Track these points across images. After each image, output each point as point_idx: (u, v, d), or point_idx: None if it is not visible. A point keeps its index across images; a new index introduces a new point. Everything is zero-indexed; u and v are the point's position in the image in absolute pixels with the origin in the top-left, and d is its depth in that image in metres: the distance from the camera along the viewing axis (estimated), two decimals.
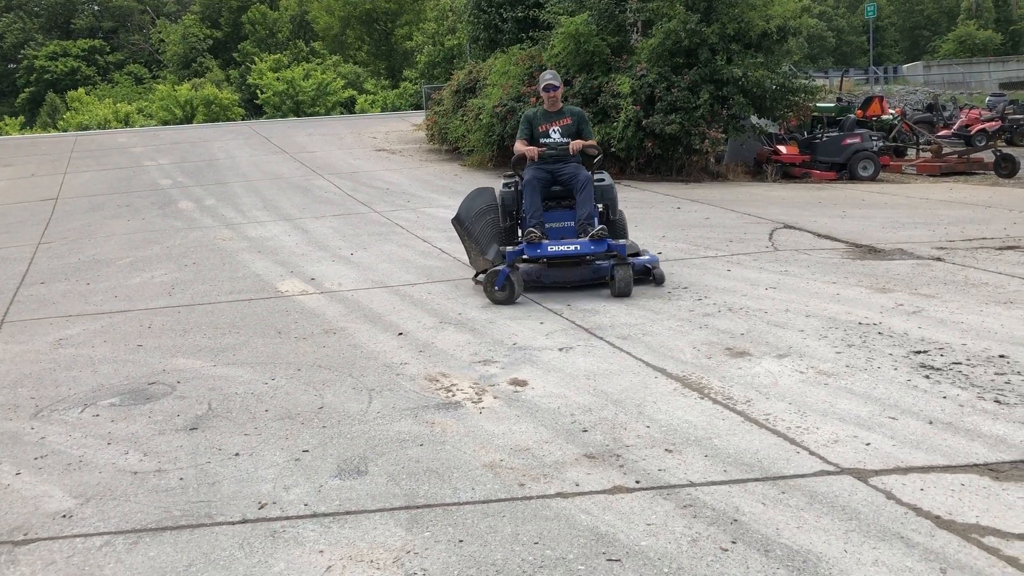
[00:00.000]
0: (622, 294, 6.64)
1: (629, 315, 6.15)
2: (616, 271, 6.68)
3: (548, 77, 7.42)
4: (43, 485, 3.79)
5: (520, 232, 7.07)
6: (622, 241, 6.88)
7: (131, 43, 62.85)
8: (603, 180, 7.31)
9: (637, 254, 7.03)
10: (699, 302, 6.42)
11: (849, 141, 15.19)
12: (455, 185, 14.25)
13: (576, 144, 7.15)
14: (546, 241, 6.80)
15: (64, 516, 3.49)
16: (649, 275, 7.00)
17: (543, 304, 6.55)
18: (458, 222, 7.23)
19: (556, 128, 7.34)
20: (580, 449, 3.91)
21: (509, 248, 6.78)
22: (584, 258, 6.85)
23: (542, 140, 7.30)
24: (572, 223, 7.05)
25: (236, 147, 20.58)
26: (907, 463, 3.63)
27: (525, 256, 6.76)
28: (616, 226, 7.24)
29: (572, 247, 6.77)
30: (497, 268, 6.64)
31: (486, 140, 15.59)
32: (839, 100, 20.69)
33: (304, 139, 21.81)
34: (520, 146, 7.29)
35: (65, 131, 41.28)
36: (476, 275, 7.26)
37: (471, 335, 5.83)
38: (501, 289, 6.59)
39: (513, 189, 7.28)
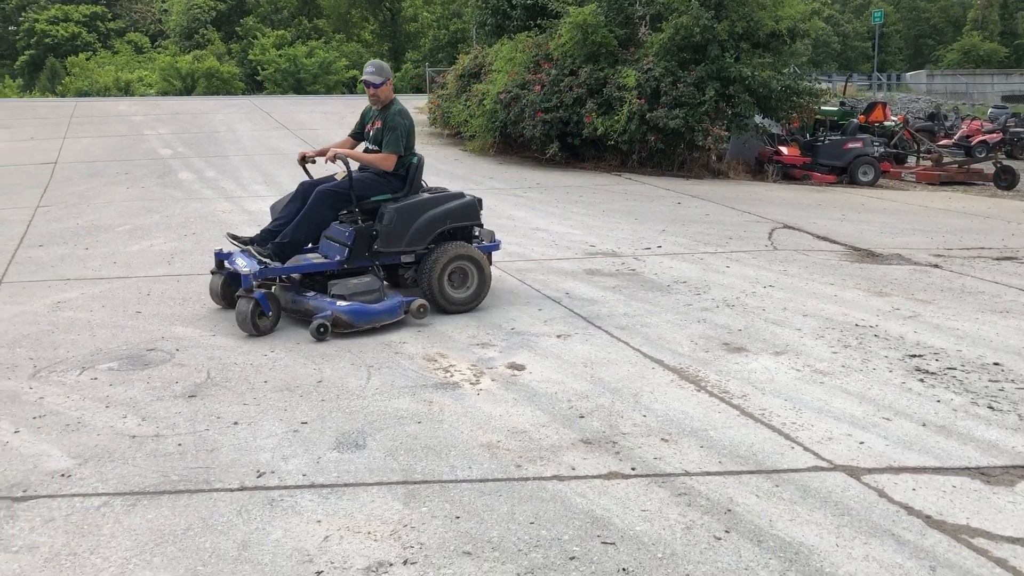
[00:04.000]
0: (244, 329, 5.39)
1: (628, 306, 6.17)
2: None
3: (367, 70, 5.96)
4: (42, 444, 3.80)
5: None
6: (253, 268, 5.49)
7: (133, 11, 62.41)
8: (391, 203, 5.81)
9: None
10: (697, 296, 6.45)
11: (851, 145, 15.25)
12: (455, 169, 14.24)
13: (331, 152, 5.80)
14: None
15: (63, 475, 3.50)
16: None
17: (542, 292, 6.57)
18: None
19: (372, 130, 6.12)
20: (576, 434, 3.94)
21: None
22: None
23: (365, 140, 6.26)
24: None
25: (237, 120, 20.48)
26: (900, 463, 3.67)
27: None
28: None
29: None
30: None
31: (489, 126, 15.55)
32: (842, 104, 20.73)
33: (305, 116, 21.72)
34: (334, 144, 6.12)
35: (64, 96, 41.10)
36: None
37: (469, 318, 5.85)
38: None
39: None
